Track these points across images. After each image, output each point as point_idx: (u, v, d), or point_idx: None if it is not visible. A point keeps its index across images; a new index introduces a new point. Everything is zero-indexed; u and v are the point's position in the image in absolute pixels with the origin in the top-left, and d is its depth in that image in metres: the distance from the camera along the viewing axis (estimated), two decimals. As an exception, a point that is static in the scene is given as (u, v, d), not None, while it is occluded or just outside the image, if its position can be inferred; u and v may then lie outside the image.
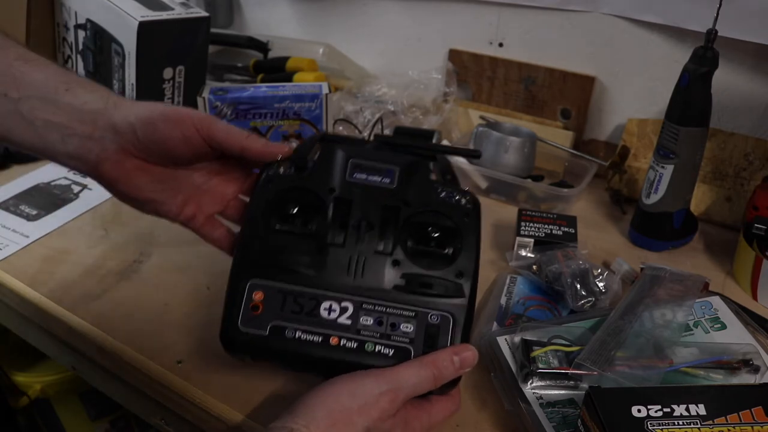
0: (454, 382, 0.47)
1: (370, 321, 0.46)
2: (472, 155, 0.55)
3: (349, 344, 0.45)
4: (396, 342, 0.45)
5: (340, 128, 0.96)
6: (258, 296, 0.46)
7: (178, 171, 0.53)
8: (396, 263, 0.47)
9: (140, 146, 0.50)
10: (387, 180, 0.50)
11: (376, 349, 0.45)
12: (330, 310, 0.46)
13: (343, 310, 0.46)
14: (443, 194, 0.50)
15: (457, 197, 0.50)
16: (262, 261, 0.47)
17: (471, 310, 0.48)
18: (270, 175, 0.50)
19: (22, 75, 0.49)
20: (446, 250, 0.48)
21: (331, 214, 0.48)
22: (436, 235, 0.48)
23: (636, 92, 0.95)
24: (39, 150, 0.50)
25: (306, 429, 0.41)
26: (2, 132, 0.50)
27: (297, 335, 0.45)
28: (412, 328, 0.46)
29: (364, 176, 0.50)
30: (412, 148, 0.53)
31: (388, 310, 0.46)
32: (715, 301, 0.64)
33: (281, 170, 0.50)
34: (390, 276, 0.47)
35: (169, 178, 0.52)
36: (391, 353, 0.45)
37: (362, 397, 0.43)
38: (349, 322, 0.46)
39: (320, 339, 0.45)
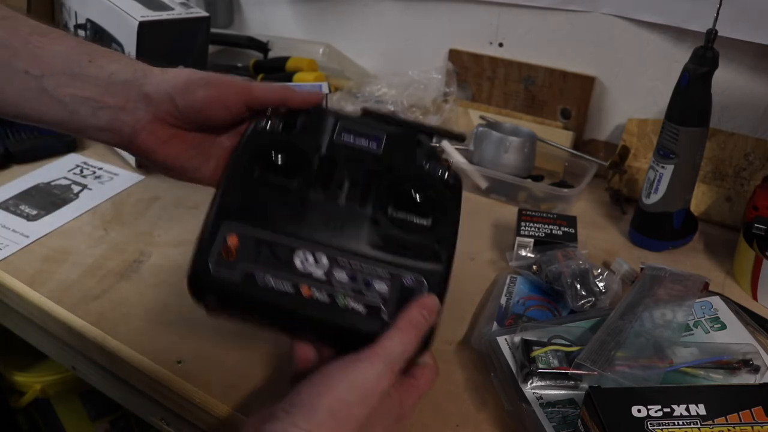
0: (427, 344, 0.46)
1: (344, 276, 0.45)
2: (456, 138, 0.55)
3: (321, 297, 0.44)
4: (368, 300, 0.44)
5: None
6: (232, 241, 0.45)
7: (211, 136, 0.52)
8: (375, 223, 0.47)
9: (178, 114, 0.49)
10: (374, 145, 0.50)
11: (349, 305, 0.44)
12: (304, 261, 0.45)
13: (318, 262, 0.45)
14: (427, 166, 0.50)
15: (441, 171, 0.50)
16: (240, 205, 0.46)
17: (446, 279, 0.47)
18: (257, 129, 0.49)
19: (41, 50, 0.48)
20: (426, 222, 0.48)
21: (315, 172, 0.48)
22: (417, 203, 0.48)
23: (636, 92, 0.95)
24: (69, 126, 0.49)
25: None
26: (31, 112, 0.49)
27: (269, 284, 0.44)
28: (386, 288, 0.45)
29: (351, 139, 0.50)
30: (396, 121, 0.53)
31: (363, 267, 0.45)
32: (715, 301, 0.64)
33: (269, 126, 0.50)
34: (368, 235, 0.47)
35: (203, 143, 0.52)
36: (363, 311, 0.44)
37: (362, 387, 0.41)
38: (322, 275, 0.45)
39: (293, 289, 0.44)
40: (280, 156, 0.48)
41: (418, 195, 0.48)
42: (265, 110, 0.51)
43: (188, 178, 0.53)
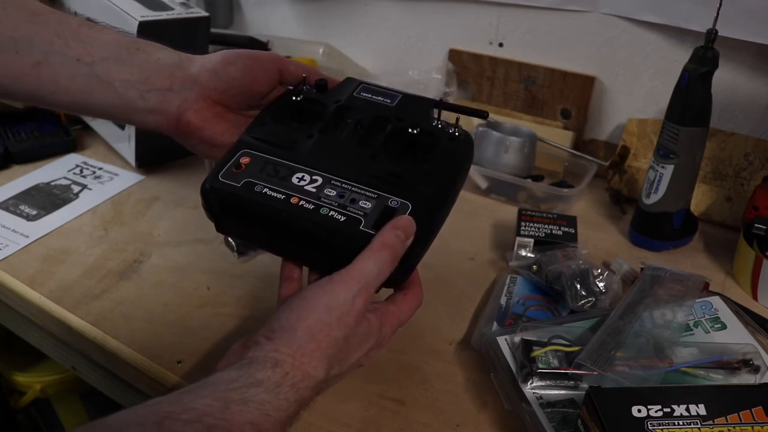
0: (410, 269, 0.48)
1: (333, 193, 0.49)
2: (479, 115, 0.57)
3: (306, 205, 0.48)
4: (350, 212, 0.47)
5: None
6: (244, 160, 0.51)
7: (250, 119, 0.56)
8: (374, 158, 0.51)
9: (222, 87, 0.53)
10: (388, 101, 0.56)
11: (330, 214, 0.47)
12: (301, 179, 0.50)
13: (313, 181, 0.49)
14: (437, 125, 0.54)
15: (451, 130, 0.53)
16: (260, 138, 0.52)
17: (433, 209, 0.49)
18: (292, 90, 0.56)
19: (90, 39, 0.52)
20: (425, 165, 0.51)
21: (329, 117, 0.54)
22: (418, 146, 0.52)
23: (636, 92, 0.95)
24: (118, 110, 0.53)
25: (292, 359, 0.40)
26: (81, 97, 0.52)
27: (264, 191, 0.49)
28: (369, 205, 0.48)
29: (369, 95, 0.56)
30: (420, 97, 0.57)
31: (353, 188, 0.49)
32: (715, 301, 0.64)
33: (305, 89, 0.56)
34: (367, 167, 0.50)
35: (244, 125, 0.55)
36: (342, 219, 0.47)
37: (338, 308, 0.42)
38: (314, 190, 0.49)
39: (283, 197, 0.48)
40: (300, 104, 0.55)
41: (419, 139, 0.52)
42: (297, 84, 0.56)
43: None
